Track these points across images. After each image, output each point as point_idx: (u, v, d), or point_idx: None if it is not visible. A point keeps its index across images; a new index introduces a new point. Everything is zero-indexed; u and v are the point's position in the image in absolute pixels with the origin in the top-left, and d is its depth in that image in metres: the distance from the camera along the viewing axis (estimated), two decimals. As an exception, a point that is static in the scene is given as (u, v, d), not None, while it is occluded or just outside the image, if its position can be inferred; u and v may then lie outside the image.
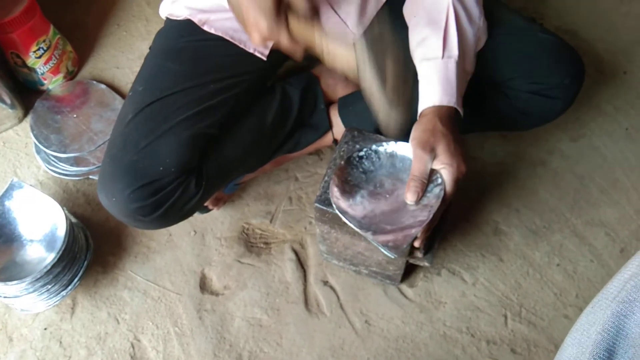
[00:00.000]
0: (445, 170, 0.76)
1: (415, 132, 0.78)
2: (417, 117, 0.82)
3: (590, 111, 1.22)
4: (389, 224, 0.75)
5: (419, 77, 0.83)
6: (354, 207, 0.77)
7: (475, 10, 0.85)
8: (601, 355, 0.51)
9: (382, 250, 0.73)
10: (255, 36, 0.73)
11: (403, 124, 0.70)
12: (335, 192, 0.78)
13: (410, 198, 0.75)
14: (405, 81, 0.67)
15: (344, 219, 0.76)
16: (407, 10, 0.90)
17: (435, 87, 0.80)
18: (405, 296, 1.02)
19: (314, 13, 0.71)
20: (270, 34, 0.71)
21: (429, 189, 0.76)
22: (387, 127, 0.71)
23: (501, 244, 1.07)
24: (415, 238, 0.76)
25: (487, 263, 1.05)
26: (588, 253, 1.06)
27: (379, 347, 0.98)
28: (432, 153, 0.75)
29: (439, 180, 0.76)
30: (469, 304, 1.01)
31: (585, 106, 1.21)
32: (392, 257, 0.72)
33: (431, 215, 0.73)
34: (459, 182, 0.76)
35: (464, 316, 1.00)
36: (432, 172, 0.77)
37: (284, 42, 0.72)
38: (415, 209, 0.76)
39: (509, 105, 0.94)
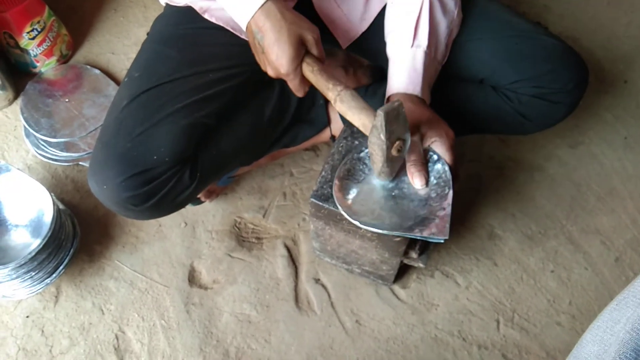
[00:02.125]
0: (437, 143, 0.76)
1: None
2: (385, 102, 0.82)
3: (590, 119, 1.21)
4: (413, 217, 0.74)
5: (389, 62, 0.85)
6: (373, 217, 0.76)
7: (451, 2, 0.86)
8: (628, 355, 0.49)
9: (432, 241, 0.73)
10: (270, 71, 0.77)
11: (389, 178, 0.77)
12: (346, 211, 0.76)
13: (418, 183, 0.75)
14: (402, 157, 0.74)
15: (376, 230, 0.74)
16: None
17: (402, 75, 0.81)
18: (397, 297, 1.01)
19: (324, 61, 0.77)
20: (287, 74, 0.75)
21: (429, 169, 0.76)
22: (377, 176, 0.78)
23: (496, 248, 1.06)
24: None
25: (481, 267, 1.04)
26: (583, 260, 1.05)
27: (369, 348, 0.96)
28: (418, 133, 0.76)
29: (435, 157, 0.76)
30: (462, 308, 1.00)
31: (584, 114, 1.21)
32: (443, 241, 0.72)
33: (451, 190, 0.74)
34: (453, 148, 0.77)
35: (456, 319, 0.99)
36: (425, 151, 0.77)
37: (295, 84, 0.77)
38: (429, 192, 0.75)
39: (511, 108, 0.93)
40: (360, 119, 0.73)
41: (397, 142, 0.71)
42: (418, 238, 0.75)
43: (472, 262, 1.05)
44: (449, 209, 0.73)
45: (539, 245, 1.07)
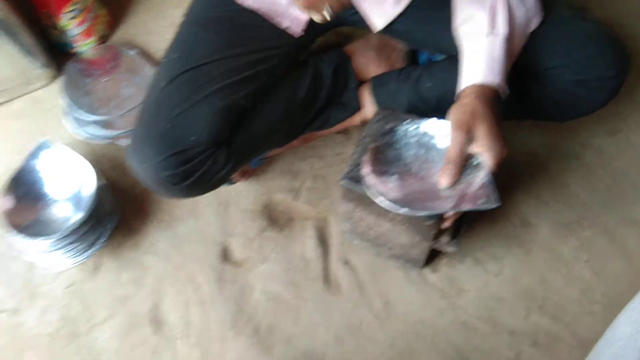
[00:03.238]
0: (486, 154, 0.74)
1: (453, 113, 0.76)
2: (456, 96, 0.79)
3: (630, 106, 1.18)
4: (452, 193, 0.74)
5: (461, 55, 0.81)
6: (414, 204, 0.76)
7: None
8: None
9: (483, 207, 0.71)
10: None
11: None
12: (376, 186, 0.77)
13: (444, 182, 0.74)
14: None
15: (422, 214, 0.74)
16: None
17: (479, 65, 0.78)
18: (426, 281, 1.01)
19: None
20: None
21: (467, 171, 0.75)
22: None
23: (528, 236, 1.05)
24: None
25: (513, 254, 1.03)
26: (618, 252, 1.03)
27: (397, 331, 0.97)
28: (470, 135, 0.73)
29: (476, 162, 0.75)
30: (492, 294, 1.00)
31: (624, 100, 1.17)
32: (498, 204, 0.71)
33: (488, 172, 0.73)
34: (498, 166, 0.75)
35: (485, 306, 0.99)
36: (469, 155, 0.75)
37: None
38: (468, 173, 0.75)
39: (548, 95, 0.92)
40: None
41: None
42: (467, 210, 0.74)
43: (503, 250, 1.04)
44: (485, 175, 0.73)
45: (573, 234, 1.05)
